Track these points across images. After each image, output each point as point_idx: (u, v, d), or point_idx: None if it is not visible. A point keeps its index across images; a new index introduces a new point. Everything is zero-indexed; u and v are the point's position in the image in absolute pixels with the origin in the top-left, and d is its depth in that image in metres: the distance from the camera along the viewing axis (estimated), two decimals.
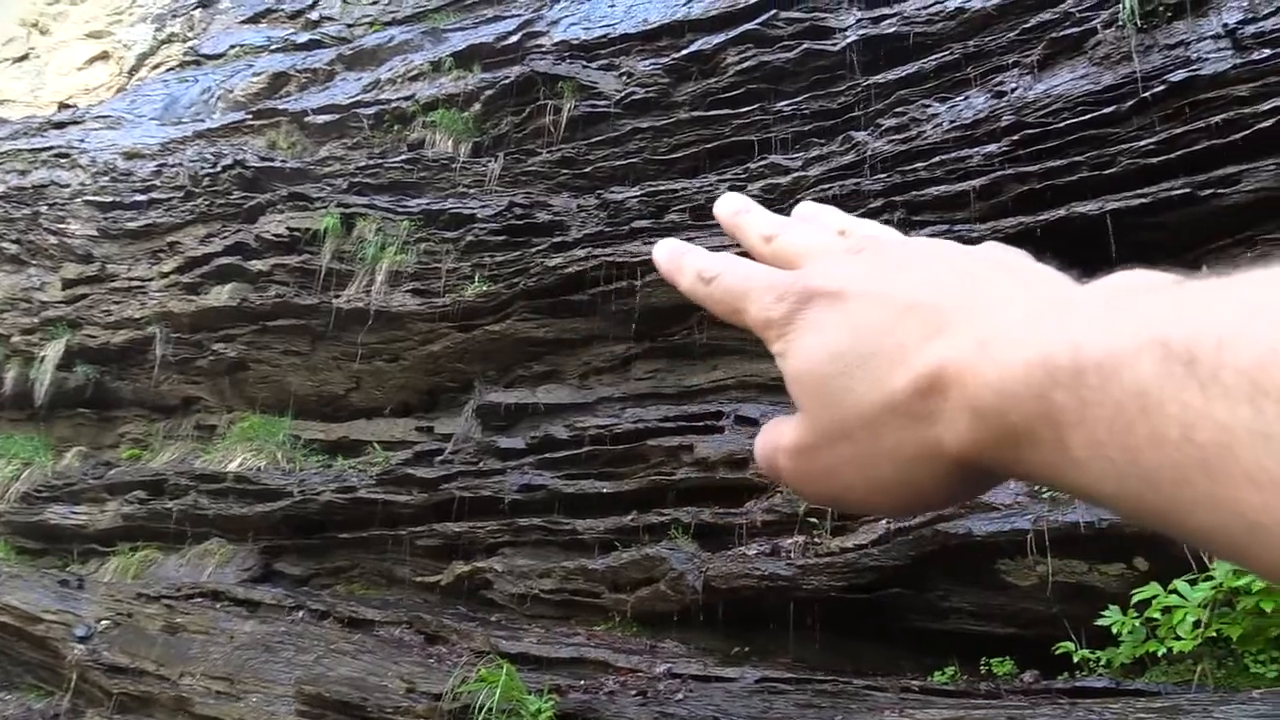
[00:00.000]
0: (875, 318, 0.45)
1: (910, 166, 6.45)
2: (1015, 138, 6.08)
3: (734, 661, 5.12)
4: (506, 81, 8.73)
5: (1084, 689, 4.09)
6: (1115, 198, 5.40)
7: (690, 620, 5.49)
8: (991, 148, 6.16)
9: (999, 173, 6.00)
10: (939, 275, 0.46)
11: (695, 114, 7.81)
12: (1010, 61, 6.60)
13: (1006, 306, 0.43)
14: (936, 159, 6.35)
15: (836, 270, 0.48)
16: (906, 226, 6.07)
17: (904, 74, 7.04)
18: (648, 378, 6.87)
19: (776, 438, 0.50)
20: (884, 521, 5.05)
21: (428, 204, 8.32)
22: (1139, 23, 5.99)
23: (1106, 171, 5.60)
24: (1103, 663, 4.26)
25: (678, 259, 0.56)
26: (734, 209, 0.60)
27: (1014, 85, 6.42)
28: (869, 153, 6.76)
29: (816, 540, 5.20)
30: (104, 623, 7.29)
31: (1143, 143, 5.60)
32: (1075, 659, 4.31)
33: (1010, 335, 0.40)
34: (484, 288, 7.47)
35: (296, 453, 7.92)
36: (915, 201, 6.23)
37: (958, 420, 0.40)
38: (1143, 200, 5.30)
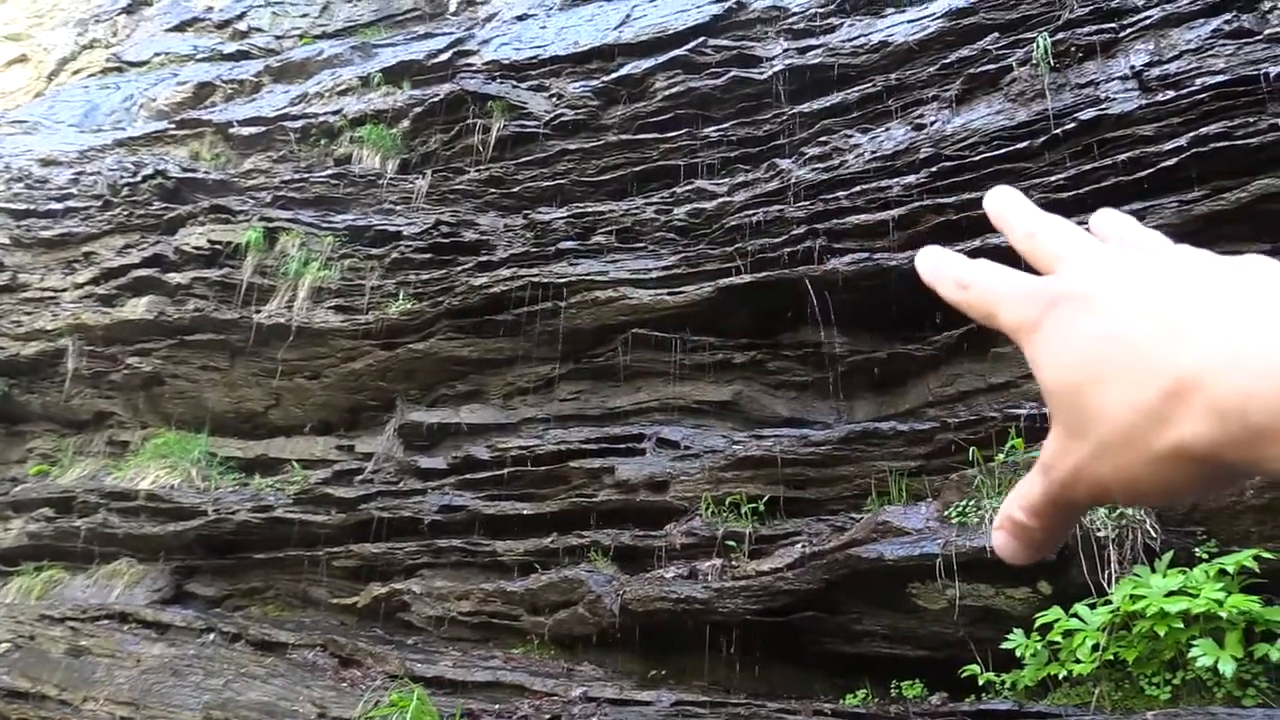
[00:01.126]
0: (1122, 325, 0.47)
1: (832, 195, 6.57)
2: (934, 169, 6.24)
3: (650, 685, 5.13)
4: (436, 99, 8.70)
5: (989, 711, 4.18)
6: None
7: (608, 643, 5.49)
8: (911, 178, 6.31)
9: (917, 203, 6.14)
10: (1185, 282, 0.48)
11: (623, 137, 7.86)
12: (930, 95, 6.77)
13: (1252, 313, 0.44)
14: (858, 188, 6.48)
15: (1085, 276, 0.51)
16: (827, 254, 6.19)
17: (828, 104, 7.17)
18: (571, 399, 6.87)
19: (1022, 487, 0.53)
20: (799, 545, 5.12)
21: (353, 220, 8.24)
22: (1052, 62, 6.19)
23: None
24: (1008, 685, 4.35)
25: (938, 268, 0.58)
26: (1004, 203, 0.62)
27: (933, 119, 6.59)
28: (793, 180, 6.87)
29: (734, 563, 5.24)
30: (4, 645, 7.03)
31: (1054, 177, 5.79)
32: (981, 681, 4.40)
33: (1255, 340, 0.42)
34: (408, 306, 7.41)
35: (212, 471, 7.75)
36: (836, 229, 6.34)
37: (1201, 422, 0.43)
38: None
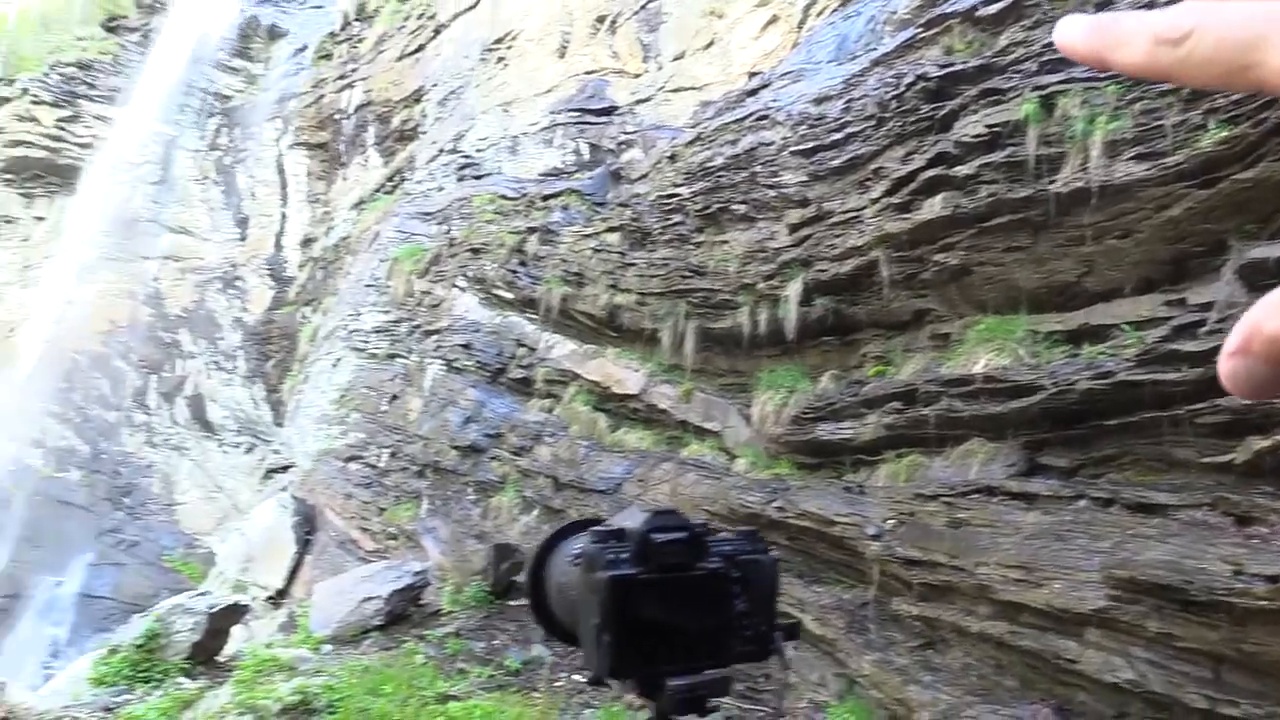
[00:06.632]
0: None
1: None
2: None
3: None
4: None
5: None
6: None
7: None
8: None
9: None
10: None
11: None
12: None
13: None
14: None
15: None
16: None
17: None
18: None
19: None
20: None
21: None
22: None
23: None
24: None
25: (1109, 31, 0.40)
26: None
27: None
28: None
29: None
30: (890, 522, 8.01)
31: None
32: None
33: None
34: (1222, 133, 6.62)
35: (1038, 346, 7.85)
36: None
37: None
38: None
